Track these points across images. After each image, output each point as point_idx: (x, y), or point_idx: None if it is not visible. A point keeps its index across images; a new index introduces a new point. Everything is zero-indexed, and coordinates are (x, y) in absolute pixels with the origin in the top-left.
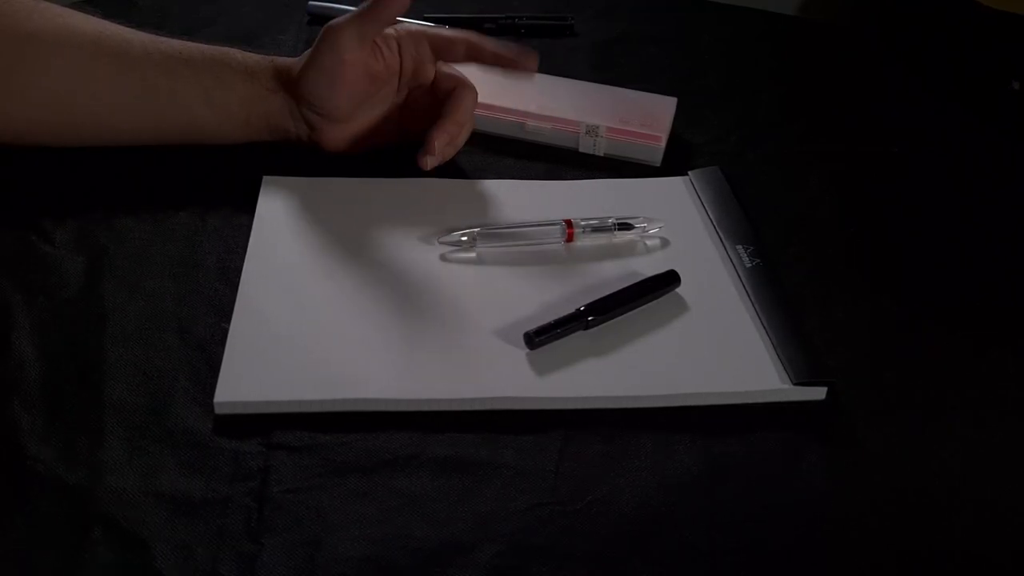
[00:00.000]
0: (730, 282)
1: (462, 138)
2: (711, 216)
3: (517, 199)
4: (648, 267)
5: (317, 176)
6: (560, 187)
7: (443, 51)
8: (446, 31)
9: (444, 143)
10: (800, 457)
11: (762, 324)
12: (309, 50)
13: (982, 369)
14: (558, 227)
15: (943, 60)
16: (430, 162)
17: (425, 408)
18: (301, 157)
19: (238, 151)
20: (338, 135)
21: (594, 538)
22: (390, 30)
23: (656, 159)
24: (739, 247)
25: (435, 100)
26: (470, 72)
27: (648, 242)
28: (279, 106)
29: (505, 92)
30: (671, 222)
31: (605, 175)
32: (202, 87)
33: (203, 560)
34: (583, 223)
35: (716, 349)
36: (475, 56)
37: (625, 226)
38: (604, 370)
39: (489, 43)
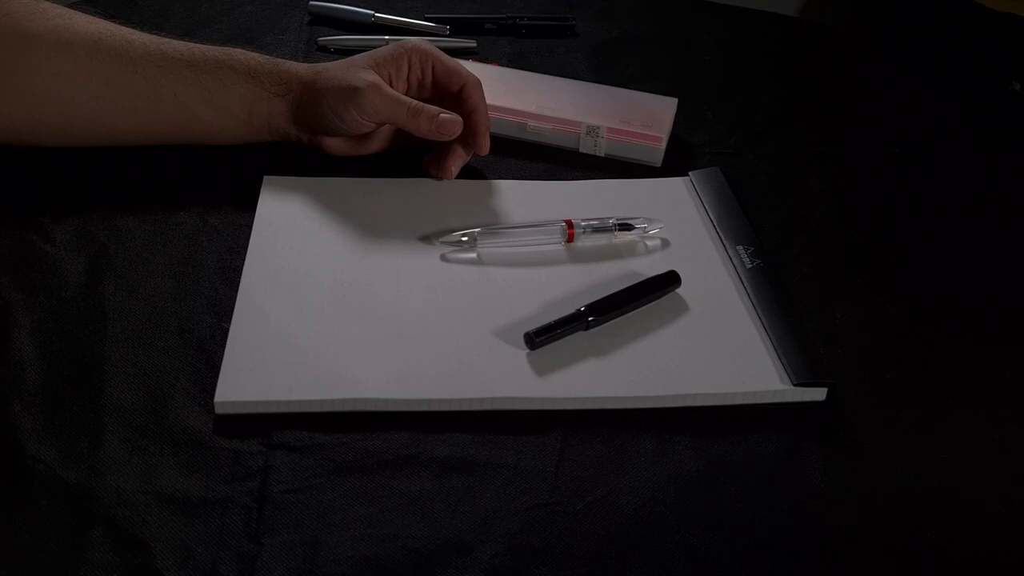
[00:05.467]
0: (730, 283)
1: (485, 130)
2: (711, 217)
3: (517, 199)
4: (648, 267)
5: (317, 176)
6: (560, 187)
7: (442, 79)
8: (453, 63)
9: (459, 168)
10: (800, 458)
11: (762, 325)
12: (330, 72)
13: (981, 370)
14: (558, 227)
15: (943, 60)
16: (444, 177)
17: (425, 408)
18: (301, 157)
19: (238, 151)
20: (339, 144)
21: (594, 538)
22: (400, 48)
23: (656, 160)
24: (739, 247)
25: (436, 99)
26: (472, 68)
27: (648, 242)
28: (281, 110)
29: (506, 92)
30: (671, 223)
31: (605, 175)
32: (203, 88)
33: (203, 560)
34: (583, 223)
35: (716, 350)
36: (465, 100)
37: (625, 226)
38: (604, 370)
39: (481, 103)
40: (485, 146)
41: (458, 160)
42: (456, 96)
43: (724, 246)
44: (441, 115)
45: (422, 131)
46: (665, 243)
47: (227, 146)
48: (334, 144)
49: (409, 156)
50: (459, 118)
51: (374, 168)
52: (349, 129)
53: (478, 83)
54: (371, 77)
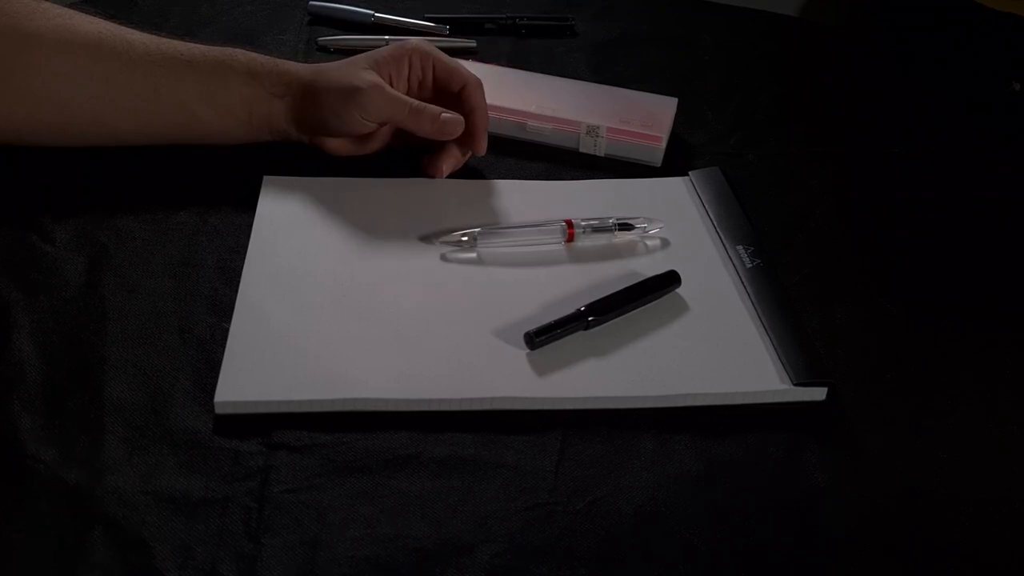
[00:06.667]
0: (730, 282)
1: (483, 131)
2: (711, 216)
3: (517, 199)
4: (648, 267)
5: (317, 176)
6: (560, 187)
7: (443, 79)
8: (454, 63)
9: (451, 167)
10: (799, 458)
11: (762, 324)
12: (331, 73)
13: (981, 370)
14: (558, 227)
15: (943, 60)
16: (435, 175)
17: (425, 408)
18: (301, 157)
19: (238, 151)
20: (340, 144)
21: (594, 538)
22: (401, 49)
23: (656, 159)
24: (739, 247)
25: (437, 99)
26: (472, 68)
27: (648, 242)
28: (282, 110)
29: (506, 92)
30: (671, 222)
31: (605, 175)
32: (204, 87)
33: (203, 560)
34: (583, 223)
35: (716, 349)
36: (465, 100)
37: (625, 226)
38: (604, 370)
39: (481, 103)
40: (482, 146)
41: (451, 160)
42: (456, 96)
43: (724, 246)
44: (443, 115)
45: (424, 131)
46: (665, 243)
47: (227, 146)
48: (335, 145)
49: (409, 156)
50: (460, 118)
51: (374, 168)
52: (350, 130)
53: (479, 83)
54: (372, 77)
